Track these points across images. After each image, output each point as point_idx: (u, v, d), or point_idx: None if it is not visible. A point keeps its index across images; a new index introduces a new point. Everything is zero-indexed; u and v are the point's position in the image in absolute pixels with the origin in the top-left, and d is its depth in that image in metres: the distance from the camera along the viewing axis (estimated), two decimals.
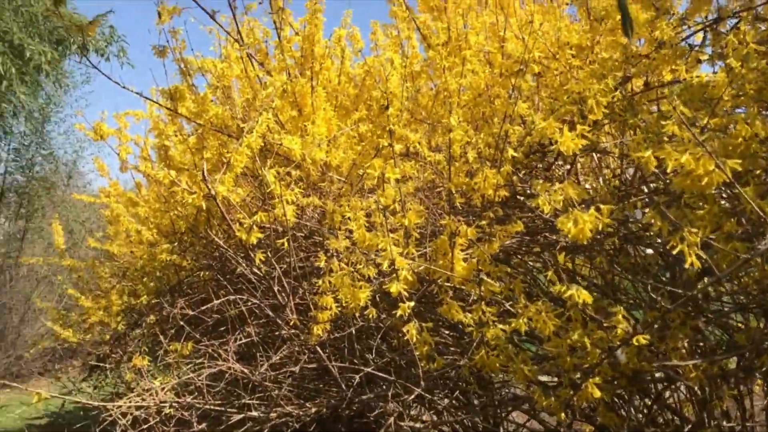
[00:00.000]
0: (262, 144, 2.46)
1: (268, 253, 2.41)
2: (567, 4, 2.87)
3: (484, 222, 1.81)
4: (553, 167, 2.59)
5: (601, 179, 2.61)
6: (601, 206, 1.22)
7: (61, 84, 8.87)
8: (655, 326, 1.49)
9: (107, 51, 7.91)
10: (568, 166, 2.54)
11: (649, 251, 2.28)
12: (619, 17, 2.06)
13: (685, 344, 1.58)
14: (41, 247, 10.23)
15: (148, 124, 3.72)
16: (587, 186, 2.56)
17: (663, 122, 1.15)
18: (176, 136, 3.24)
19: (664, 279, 2.26)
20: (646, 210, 2.04)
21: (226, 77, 3.14)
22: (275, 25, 2.77)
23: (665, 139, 1.23)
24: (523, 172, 2.53)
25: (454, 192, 2.09)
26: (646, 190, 2.24)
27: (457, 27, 3.05)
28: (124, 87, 2.48)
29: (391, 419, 2.27)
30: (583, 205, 1.33)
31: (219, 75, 3.12)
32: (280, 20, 2.76)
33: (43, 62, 6.77)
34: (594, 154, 2.55)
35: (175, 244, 3.38)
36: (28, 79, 6.96)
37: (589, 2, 2.42)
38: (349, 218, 1.86)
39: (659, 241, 2.13)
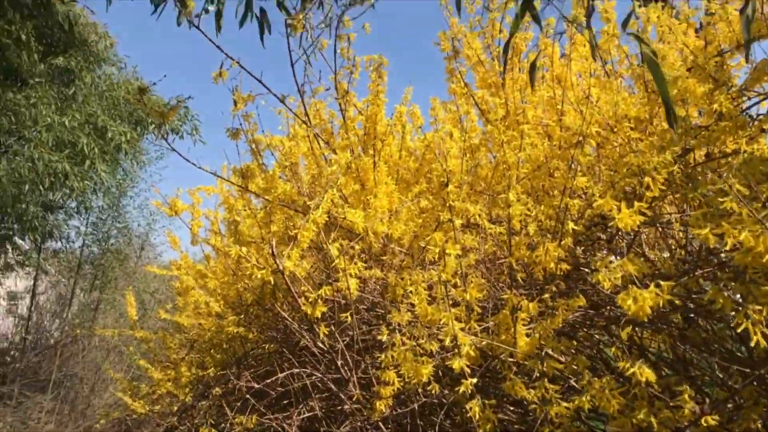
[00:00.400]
0: (327, 219, 2.54)
1: (332, 326, 2.45)
2: (622, 76, 2.91)
3: (546, 296, 1.81)
4: (616, 239, 2.57)
5: (665, 251, 2.57)
6: (662, 283, 1.21)
7: (138, 161, 9.40)
8: (727, 405, 1.44)
9: (181, 129, 8.38)
10: (631, 237, 2.51)
11: (721, 325, 2.21)
12: (675, 91, 2.08)
13: (759, 425, 1.51)
14: (113, 317, 10.59)
15: (218, 199, 3.90)
16: (652, 257, 2.52)
17: (721, 198, 1.16)
18: (245, 210, 3.39)
19: (739, 354, 2.17)
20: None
21: (294, 155, 3.29)
22: (340, 107, 2.92)
23: (725, 213, 1.23)
24: (585, 244, 2.52)
25: (515, 266, 2.10)
26: (713, 262, 2.19)
27: (515, 101, 3.11)
28: (199, 168, 2.64)
29: None
30: (646, 280, 1.32)
31: (287, 153, 3.27)
32: (345, 102, 2.90)
33: (123, 142, 7.22)
34: (658, 225, 2.52)
35: (242, 316, 3.47)
36: (108, 158, 7.42)
37: (645, 75, 2.45)
38: (410, 292, 1.89)
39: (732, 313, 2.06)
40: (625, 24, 1.47)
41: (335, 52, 2.73)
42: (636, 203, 1.46)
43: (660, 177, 1.53)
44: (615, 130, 2.32)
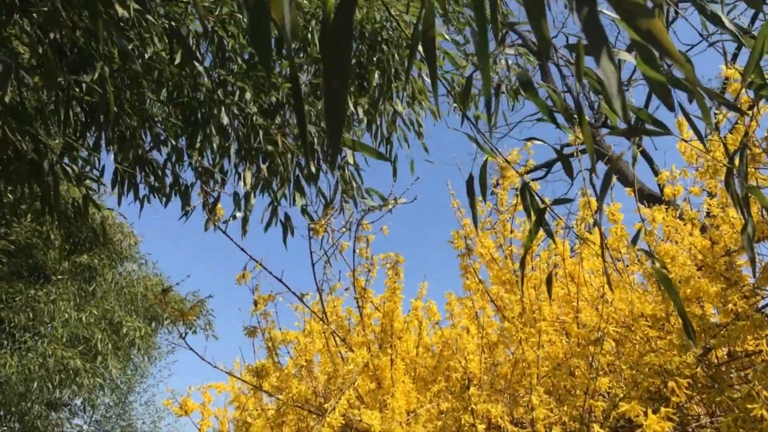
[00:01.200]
0: (342, 421, 2.47)
1: None
2: (633, 273, 2.97)
3: None
4: None
5: None
6: None
7: (150, 356, 9.35)
8: None
9: (195, 325, 8.44)
10: None
11: None
12: (687, 290, 2.12)
13: None
14: None
15: (229, 396, 3.81)
16: None
17: (750, 405, 1.14)
18: (257, 410, 3.30)
19: None
20: None
21: (309, 351, 3.27)
22: (357, 304, 2.97)
23: (756, 419, 1.20)
24: None
25: None
26: None
27: (530, 298, 3.15)
28: (214, 366, 2.63)
29: None
30: None
31: (302, 349, 3.26)
32: (362, 299, 2.96)
33: (137, 337, 7.25)
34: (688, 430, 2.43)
35: None
36: (120, 353, 7.40)
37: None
38: None
39: None
40: (635, 240, 1.55)
41: (354, 251, 2.85)
42: (663, 409, 1.43)
43: (684, 381, 1.52)
44: (632, 328, 2.33)
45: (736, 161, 1.01)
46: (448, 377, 3.25)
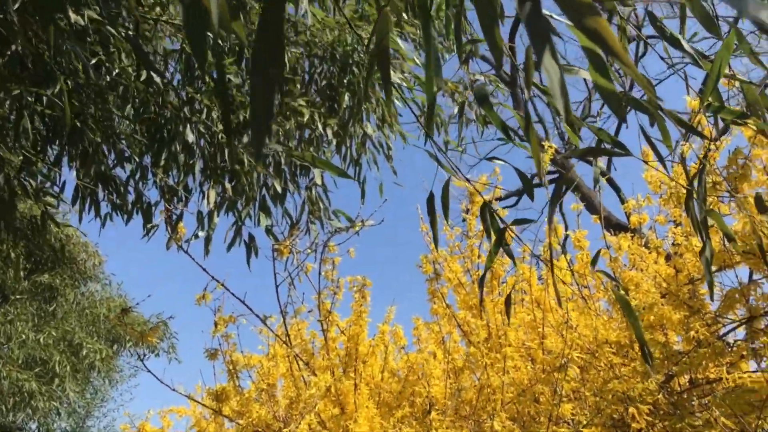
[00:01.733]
0: None
1: None
2: (599, 300, 2.98)
3: None
4: None
5: None
6: None
7: (110, 379, 9.09)
8: None
9: (158, 348, 8.24)
10: None
11: None
12: (651, 317, 2.13)
13: None
14: None
15: (190, 421, 3.71)
16: None
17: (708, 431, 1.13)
18: None
19: None
20: None
21: (272, 375, 3.20)
22: (322, 327, 2.92)
23: None
24: None
25: None
26: None
27: (496, 323, 3.14)
28: (173, 390, 2.55)
29: None
30: None
31: (264, 373, 3.19)
32: (327, 322, 2.92)
33: (97, 359, 7.06)
34: None
35: None
36: (79, 376, 7.18)
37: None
38: None
39: None
40: (594, 261, 1.55)
41: (320, 274, 2.81)
42: None
43: (644, 408, 1.51)
44: (596, 354, 2.32)
45: (695, 185, 1.01)
46: (412, 402, 3.21)
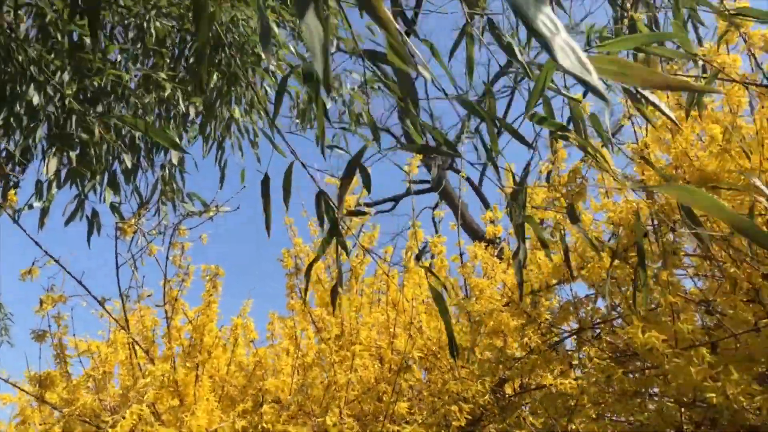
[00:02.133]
0: None
1: None
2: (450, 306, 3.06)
3: None
4: None
5: None
6: None
7: None
8: None
9: None
10: None
11: None
12: (491, 323, 2.20)
13: None
14: None
15: (16, 409, 3.42)
16: None
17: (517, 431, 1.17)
18: (42, 425, 2.97)
19: None
20: None
21: (110, 363, 3.01)
22: (166, 314, 2.78)
23: None
24: None
25: None
26: None
27: (350, 322, 3.14)
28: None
29: None
30: None
31: (102, 360, 2.99)
32: (172, 309, 2.78)
33: None
34: None
35: None
36: None
37: (468, 307, 2.59)
38: None
39: None
40: (419, 257, 1.57)
41: (167, 258, 2.66)
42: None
43: (466, 407, 1.54)
44: (439, 356, 2.38)
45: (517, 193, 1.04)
46: (256, 397, 3.14)
